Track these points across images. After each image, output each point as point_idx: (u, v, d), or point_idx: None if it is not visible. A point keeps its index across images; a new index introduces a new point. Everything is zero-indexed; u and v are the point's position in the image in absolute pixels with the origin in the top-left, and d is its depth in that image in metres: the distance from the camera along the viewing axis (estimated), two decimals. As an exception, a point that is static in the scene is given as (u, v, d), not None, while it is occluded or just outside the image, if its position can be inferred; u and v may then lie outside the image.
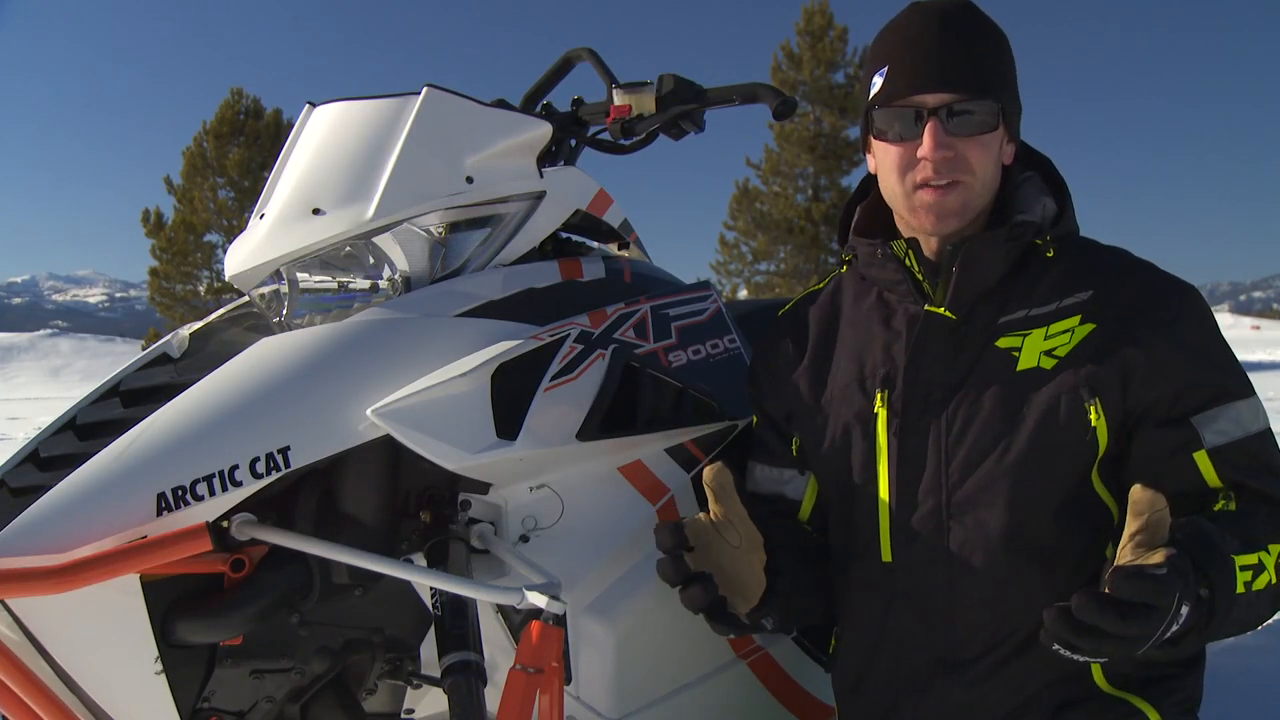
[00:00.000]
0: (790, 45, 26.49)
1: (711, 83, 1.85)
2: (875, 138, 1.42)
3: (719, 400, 1.66)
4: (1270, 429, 1.34)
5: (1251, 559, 1.21)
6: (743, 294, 26.71)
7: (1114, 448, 1.34)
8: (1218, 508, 1.30)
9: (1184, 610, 1.08)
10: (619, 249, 1.95)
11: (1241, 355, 1.36)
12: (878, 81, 1.40)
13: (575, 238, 1.86)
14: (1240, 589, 1.18)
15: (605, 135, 1.90)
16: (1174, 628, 1.08)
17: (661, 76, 1.83)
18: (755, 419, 1.67)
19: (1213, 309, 1.40)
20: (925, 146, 1.34)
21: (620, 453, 1.59)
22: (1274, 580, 1.22)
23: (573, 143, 1.90)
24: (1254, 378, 1.38)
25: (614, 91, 1.85)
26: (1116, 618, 1.03)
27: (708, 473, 1.35)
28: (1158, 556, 1.07)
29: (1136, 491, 1.12)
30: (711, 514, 1.36)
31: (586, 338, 1.53)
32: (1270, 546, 1.23)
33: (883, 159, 1.42)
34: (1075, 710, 1.34)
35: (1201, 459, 1.31)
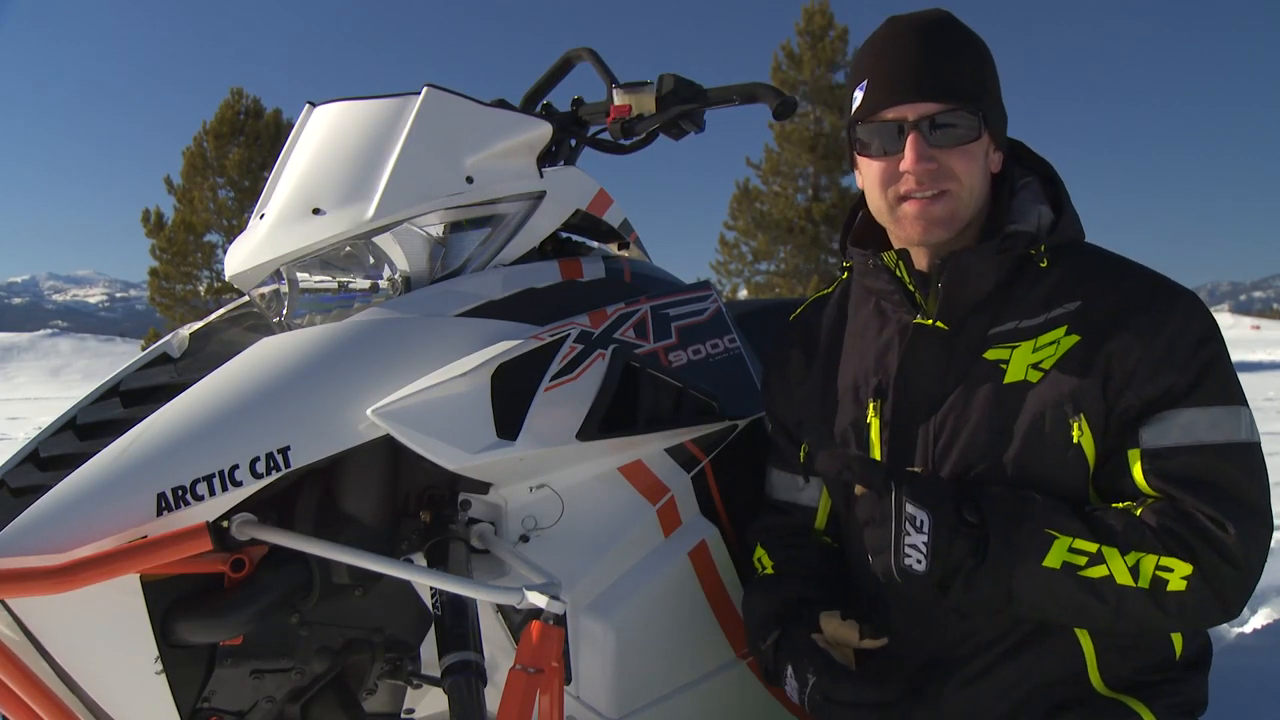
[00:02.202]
0: (790, 45, 26.48)
1: (711, 83, 1.85)
2: (858, 153, 1.41)
3: (719, 400, 1.66)
4: (1246, 446, 1.26)
5: (1089, 546, 1.21)
6: (743, 294, 26.70)
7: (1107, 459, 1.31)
8: (1120, 507, 1.28)
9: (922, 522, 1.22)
10: (619, 249, 1.95)
11: (1241, 355, 1.33)
12: (858, 96, 1.39)
13: (575, 238, 1.86)
14: (1054, 564, 1.20)
15: (605, 135, 1.90)
16: (912, 540, 1.23)
17: (661, 76, 1.83)
18: (770, 424, 1.67)
19: (1213, 309, 1.35)
20: (907, 159, 1.33)
21: (620, 453, 1.59)
22: (1115, 579, 1.20)
23: (573, 143, 1.90)
24: (1254, 378, 1.35)
25: (614, 91, 1.85)
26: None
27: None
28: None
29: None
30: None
31: (586, 338, 1.53)
32: (1132, 554, 1.21)
33: (867, 174, 1.41)
34: (1069, 713, 1.33)
35: (1133, 457, 1.27)
